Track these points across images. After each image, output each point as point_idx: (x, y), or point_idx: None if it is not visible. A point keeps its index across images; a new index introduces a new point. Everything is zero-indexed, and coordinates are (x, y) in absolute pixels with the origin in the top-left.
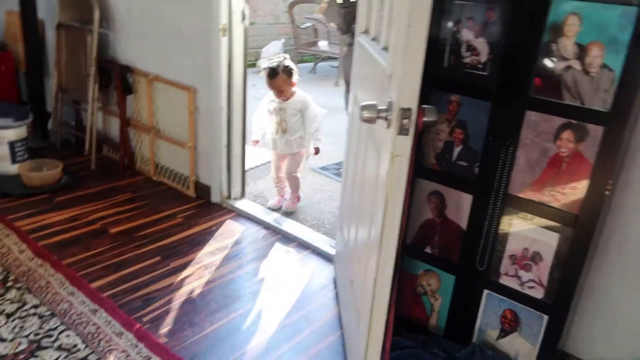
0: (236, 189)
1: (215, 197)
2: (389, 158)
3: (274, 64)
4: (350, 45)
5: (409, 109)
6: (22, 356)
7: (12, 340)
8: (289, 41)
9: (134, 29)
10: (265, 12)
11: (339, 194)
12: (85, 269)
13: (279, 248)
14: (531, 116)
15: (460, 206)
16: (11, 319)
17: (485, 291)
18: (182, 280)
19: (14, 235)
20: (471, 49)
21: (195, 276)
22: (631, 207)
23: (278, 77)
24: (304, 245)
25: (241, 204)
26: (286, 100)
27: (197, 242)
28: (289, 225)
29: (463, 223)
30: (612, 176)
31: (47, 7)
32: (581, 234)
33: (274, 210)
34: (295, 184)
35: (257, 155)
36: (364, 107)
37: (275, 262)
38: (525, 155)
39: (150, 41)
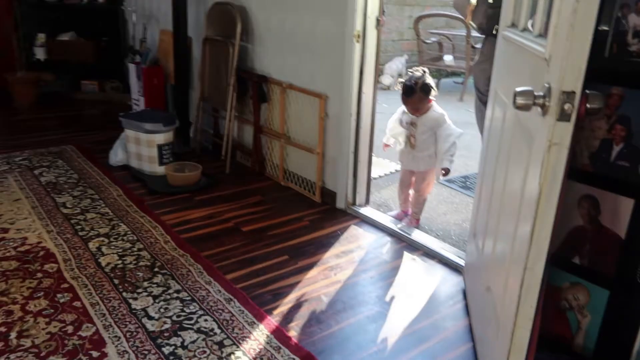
0: (361, 196)
1: (340, 203)
2: (545, 147)
3: (412, 81)
4: (488, 48)
5: (572, 93)
6: (166, 334)
7: (158, 319)
8: (413, 57)
9: (270, 40)
10: (390, 28)
11: (466, 206)
12: (220, 262)
13: (404, 255)
14: None
15: (619, 212)
16: (157, 300)
17: None
18: (309, 279)
19: (160, 228)
20: (639, 35)
21: (321, 276)
22: None
23: (414, 96)
24: (430, 255)
25: (365, 211)
26: (419, 115)
27: (323, 244)
28: (415, 234)
29: (621, 231)
30: None
31: (195, 26)
32: None
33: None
34: (418, 205)
35: (382, 165)
36: (518, 93)
37: (401, 268)
38: None
39: (285, 51)
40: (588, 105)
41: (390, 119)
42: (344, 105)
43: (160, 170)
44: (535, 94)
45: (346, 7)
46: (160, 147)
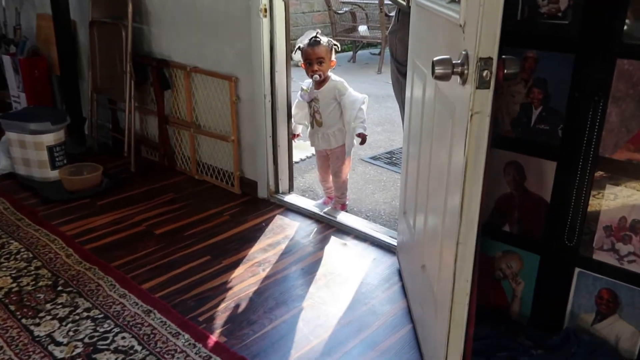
0: (284, 183)
1: (262, 193)
2: (467, 117)
3: (316, 35)
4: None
5: (489, 59)
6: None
7: (67, 344)
8: (325, 29)
9: (168, 19)
10: (299, 0)
11: (394, 183)
12: (134, 271)
13: (334, 241)
14: (624, 65)
15: (543, 176)
16: (64, 323)
17: (577, 269)
18: (236, 278)
19: (59, 240)
20: None
21: (249, 273)
22: None
23: (321, 46)
24: (361, 238)
25: (290, 198)
26: (319, 88)
27: (247, 239)
28: (343, 218)
29: (547, 194)
30: None
31: (78, 7)
32: None
33: None
34: (340, 188)
35: (303, 148)
36: (436, 63)
37: (333, 255)
38: (618, 110)
39: (186, 31)
40: (505, 71)
41: (293, 104)
42: (256, 87)
43: (53, 175)
44: (454, 62)
45: None
46: (50, 149)
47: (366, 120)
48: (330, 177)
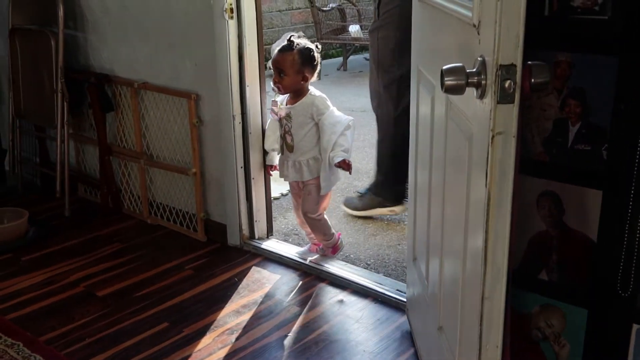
0: (261, 226)
1: (233, 239)
2: (488, 139)
3: (294, 39)
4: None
5: (511, 66)
6: None
7: None
8: (308, 31)
9: (110, 24)
10: None
11: (399, 222)
12: (70, 346)
13: (327, 298)
14: None
15: (585, 208)
16: None
17: (635, 326)
18: (201, 350)
19: None
20: None
21: (218, 344)
22: None
23: (289, 54)
24: (361, 293)
25: (269, 245)
26: (293, 103)
27: (216, 299)
28: (337, 268)
29: (592, 232)
30: None
31: None
32: None
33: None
34: (319, 229)
35: (281, 180)
36: (446, 72)
37: (325, 317)
38: None
39: (133, 38)
40: (533, 80)
41: (267, 126)
42: (222, 106)
43: None
44: (468, 71)
45: None
46: None
47: (350, 149)
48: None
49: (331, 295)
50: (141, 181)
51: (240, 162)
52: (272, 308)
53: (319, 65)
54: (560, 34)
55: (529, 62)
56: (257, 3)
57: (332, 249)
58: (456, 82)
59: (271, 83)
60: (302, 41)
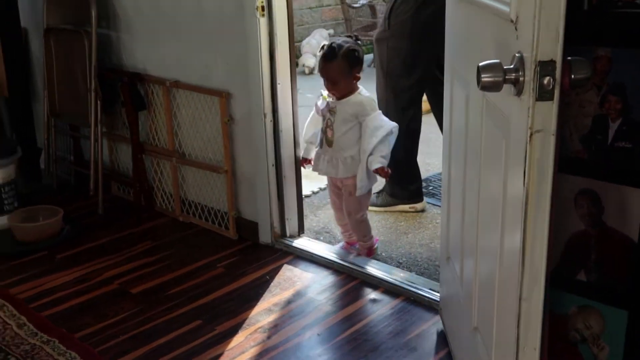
0: (292, 224)
1: (264, 237)
2: (526, 136)
3: (336, 43)
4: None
5: (551, 62)
6: None
7: None
8: (339, 28)
9: (142, 24)
10: None
11: (432, 220)
12: (104, 343)
13: (359, 297)
14: None
15: (626, 207)
16: None
17: None
18: (234, 348)
19: (9, 307)
20: None
21: (250, 342)
22: None
23: (335, 62)
24: (393, 292)
25: (300, 243)
26: (339, 96)
27: (247, 297)
28: (370, 267)
29: (633, 232)
30: None
31: (31, 11)
32: None
33: None
34: (360, 230)
35: (314, 177)
36: (483, 69)
37: (358, 315)
38: None
39: (165, 37)
40: (573, 76)
41: (308, 119)
42: (253, 104)
43: (1, 222)
44: (505, 67)
45: None
46: None
47: (389, 155)
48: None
49: (363, 294)
50: (173, 179)
51: (271, 159)
52: (303, 307)
53: (361, 61)
54: (600, 29)
55: (569, 58)
56: (288, 1)
57: (367, 251)
58: (493, 79)
59: (323, 91)
60: (343, 42)
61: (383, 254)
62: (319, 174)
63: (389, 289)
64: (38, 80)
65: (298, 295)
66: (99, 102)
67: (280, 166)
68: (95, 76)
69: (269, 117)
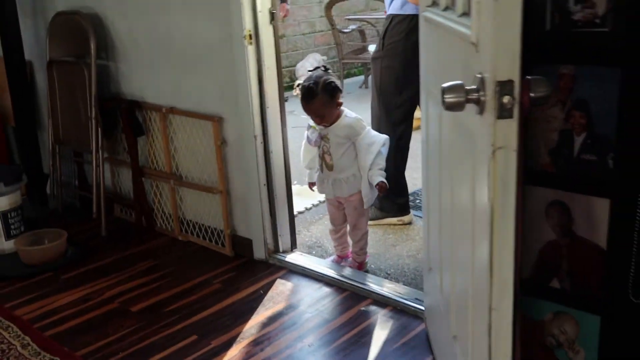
0: (285, 239)
1: (259, 253)
2: (489, 153)
3: (310, 81)
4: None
5: (509, 82)
6: None
7: None
8: (331, 52)
9: (138, 54)
10: (298, 19)
11: (419, 232)
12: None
13: (349, 308)
14: None
15: (594, 217)
16: None
17: None
18: None
19: (14, 327)
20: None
21: (245, 354)
22: None
23: (316, 99)
24: (382, 302)
25: (293, 258)
26: (329, 125)
27: (242, 311)
28: (360, 279)
29: (601, 240)
30: None
31: (34, 45)
32: None
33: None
34: (359, 243)
35: (307, 194)
36: (446, 90)
37: (347, 326)
38: None
39: (160, 66)
40: (532, 94)
41: (303, 147)
42: (244, 127)
43: (8, 246)
44: (467, 87)
45: (229, 3)
46: (4, 215)
47: (385, 166)
48: (343, 230)
49: (352, 305)
50: (172, 200)
51: (262, 179)
52: (295, 319)
53: (339, 88)
54: (563, 48)
55: (528, 77)
56: (275, 30)
57: (359, 265)
58: (456, 99)
59: (310, 122)
60: (317, 78)
61: (372, 265)
62: (327, 196)
63: (378, 300)
64: (43, 110)
65: (290, 308)
66: (99, 129)
67: (272, 185)
68: (95, 105)
69: (260, 139)
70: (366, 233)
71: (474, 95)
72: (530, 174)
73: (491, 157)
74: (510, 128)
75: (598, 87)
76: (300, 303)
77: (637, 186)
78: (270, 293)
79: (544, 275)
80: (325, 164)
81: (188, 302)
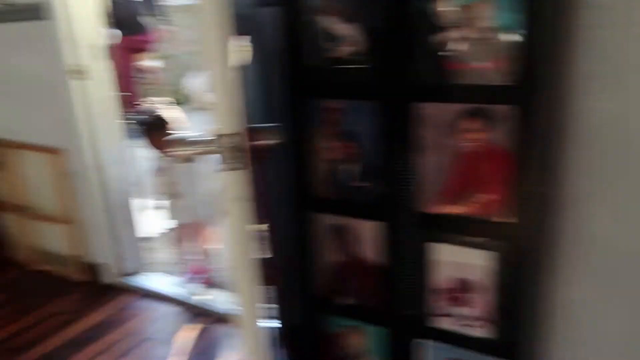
0: (133, 261)
1: (106, 277)
2: (227, 203)
3: (145, 118)
4: None
5: (236, 135)
6: None
7: None
8: None
9: None
10: (186, 39)
11: None
12: None
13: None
14: (422, 109)
15: (367, 238)
16: None
17: (414, 340)
18: None
19: None
20: (334, 38)
21: None
22: (583, 198)
23: (160, 133)
24: (225, 319)
25: (142, 280)
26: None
27: (88, 339)
28: (208, 296)
29: (376, 259)
30: (544, 166)
31: None
32: (520, 245)
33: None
34: (211, 258)
35: (155, 221)
36: (183, 143)
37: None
38: (427, 160)
39: None
40: (263, 142)
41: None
42: (82, 158)
43: None
44: (201, 140)
45: (54, 36)
46: None
47: None
48: (192, 247)
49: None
50: (21, 231)
51: (101, 206)
52: (148, 344)
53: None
54: (328, 83)
55: (254, 126)
56: (108, 63)
57: (206, 281)
58: (191, 152)
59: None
60: (150, 111)
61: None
62: (181, 222)
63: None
64: None
65: (139, 333)
66: None
67: (113, 212)
68: None
69: (94, 169)
70: (215, 250)
71: (211, 147)
72: (312, 202)
73: (229, 206)
74: (240, 179)
75: (363, 119)
76: (151, 326)
77: (399, 210)
78: (119, 317)
79: (334, 293)
80: (173, 192)
81: (32, 336)
